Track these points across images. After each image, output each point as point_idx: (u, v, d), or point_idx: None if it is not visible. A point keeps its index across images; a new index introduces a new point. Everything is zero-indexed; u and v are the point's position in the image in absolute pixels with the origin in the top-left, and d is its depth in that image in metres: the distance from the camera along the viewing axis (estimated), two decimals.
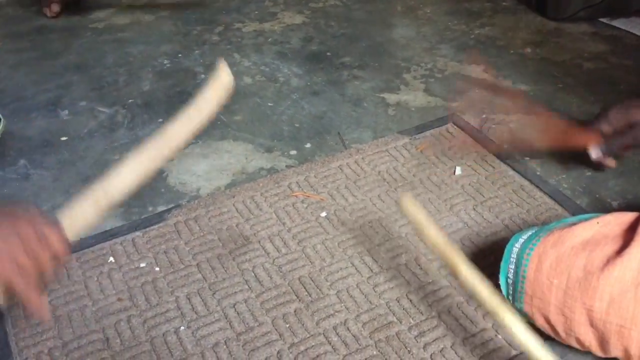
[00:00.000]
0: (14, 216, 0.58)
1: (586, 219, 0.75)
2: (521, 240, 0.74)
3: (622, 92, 1.28)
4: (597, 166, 1.00)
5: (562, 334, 0.72)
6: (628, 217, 0.73)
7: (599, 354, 0.71)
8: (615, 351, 0.69)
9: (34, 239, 0.57)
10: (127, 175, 0.66)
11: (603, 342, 0.69)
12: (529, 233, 0.75)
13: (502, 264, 0.75)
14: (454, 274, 0.70)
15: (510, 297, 0.75)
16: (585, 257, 0.69)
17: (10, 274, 0.55)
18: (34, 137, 1.14)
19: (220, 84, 0.71)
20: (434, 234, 0.72)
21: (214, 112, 0.71)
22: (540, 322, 0.73)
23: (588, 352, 0.73)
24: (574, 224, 0.74)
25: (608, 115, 0.96)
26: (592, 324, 0.68)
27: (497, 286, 0.75)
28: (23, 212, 0.59)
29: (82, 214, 0.63)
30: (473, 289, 0.69)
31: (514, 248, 0.74)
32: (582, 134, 0.98)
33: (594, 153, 0.97)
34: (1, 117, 1.08)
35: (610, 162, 0.98)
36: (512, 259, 0.74)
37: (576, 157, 1.06)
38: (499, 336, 0.78)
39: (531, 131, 1.02)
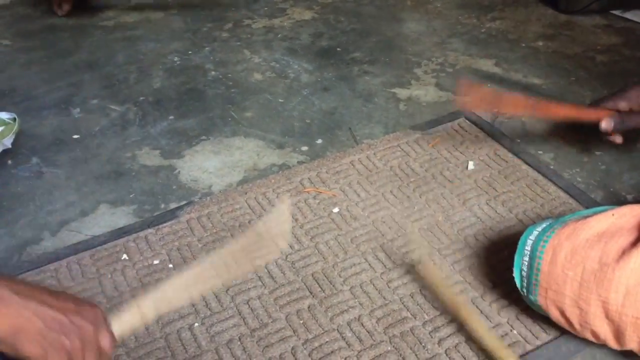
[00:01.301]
0: (79, 303, 0.58)
1: (601, 211, 0.74)
2: (535, 233, 0.74)
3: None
4: (603, 137, 0.99)
5: (577, 327, 0.71)
6: None
7: (615, 346, 0.71)
8: (631, 343, 0.68)
9: (91, 337, 0.57)
10: (176, 290, 0.67)
11: (618, 334, 0.68)
12: (543, 225, 0.75)
13: (516, 256, 0.74)
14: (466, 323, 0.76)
15: (525, 290, 0.74)
16: (600, 249, 0.68)
17: None
18: (46, 135, 1.15)
19: (280, 217, 0.71)
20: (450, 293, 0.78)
21: (270, 245, 0.70)
22: (555, 315, 0.72)
23: (603, 345, 0.72)
24: (589, 216, 0.74)
25: (627, 92, 0.95)
26: (607, 316, 0.68)
27: (511, 279, 0.75)
28: (86, 301, 0.60)
29: (129, 322, 0.64)
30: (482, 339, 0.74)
31: (529, 240, 0.74)
32: (597, 109, 0.97)
33: (605, 123, 0.95)
34: (16, 117, 1.09)
35: (618, 138, 0.97)
36: (526, 252, 0.73)
37: (589, 142, 1.05)
38: (514, 331, 0.78)
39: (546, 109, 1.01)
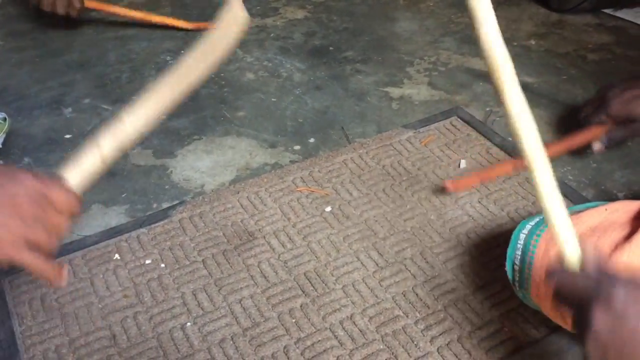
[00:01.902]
0: (9, 179, 0.52)
1: (594, 207, 0.75)
2: (528, 227, 0.74)
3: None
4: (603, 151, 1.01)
5: (569, 321, 0.71)
6: (636, 204, 0.73)
7: None
8: None
9: (32, 203, 0.51)
10: (134, 118, 0.62)
11: None
12: (537, 219, 0.75)
13: (509, 250, 0.74)
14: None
15: (517, 284, 0.74)
16: (593, 244, 0.69)
17: (15, 249, 0.50)
18: (38, 135, 1.14)
19: (233, 18, 0.66)
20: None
21: (227, 48, 0.66)
22: (548, 309, 0.72)
23: None
24: (582, 211, 0.74)
25: (609, 108, 0.96)
26: None
27: (502, 277, 0.75)
28: (17, 174, 0.53)
29: (88, 162, 0.59)
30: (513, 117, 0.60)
31: (521, 234, 0.74)
32: (586, 135, 0.98)
33: (596, 147, 0.98)
34: (6, 117, 1.08)
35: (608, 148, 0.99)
36: (519, 245, 0.73)
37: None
38: (506, 328, 0.78)
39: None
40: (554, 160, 1.02)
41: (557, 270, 0.53)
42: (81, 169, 0.59)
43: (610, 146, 0.98)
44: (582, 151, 1.03)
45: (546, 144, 1.00)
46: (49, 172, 0.57)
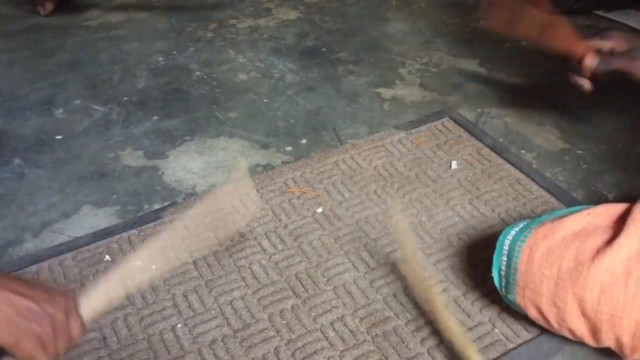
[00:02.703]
0: (50, 291, 0.59)
1: (577, 211, 0.75)
2: (513, 233, 0.74)
3: (619, 84, 1.27)
4: (579, 80, 0.98)
5: (555, 325, 0.72)
6: (618, 208, 0.74)
7: (592, 343, 0.71)
8: (608, 341, 0.69)
9: (63, 317, 0.59)
10: (145, 264, 0.67)
11: (595, 331, 0.69)
12: (521, 225, 0.75)
13: (495, 256, 0.75)
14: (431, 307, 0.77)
15: (504, 289, 0.75)
16: (576, 248, 0.69)
17: (33, 352, 0.57)
18: (29, 136, 1.14)
19: (240, 180, 0.70)
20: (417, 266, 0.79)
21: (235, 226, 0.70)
22: (533, 313, 0.73)
23: (583, 343, 0.73)
24: (565, 215, 0.74)
25: (611, 32, 0.95)
26: (583, 314, 0.68)
27: (490, 279, 0.76)
28: (57, 289, 0.61)
29: (99, 300, 0.64)
30: (445, 324, 0.75)
31: (506, 240, 0.74)
32: (581, 41, 0.97)
33: (589, 59, 0.94)
34: None
35: (587, 83, 0.97)
36: (504, 251, 0.74)
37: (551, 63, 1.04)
38: (496, 329, 0.78)
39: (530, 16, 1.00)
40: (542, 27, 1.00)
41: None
42: (92, 303, 0.64)
43: (602, 70, 0.94)
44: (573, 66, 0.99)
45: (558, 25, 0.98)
46: (74, 295, 0.62)
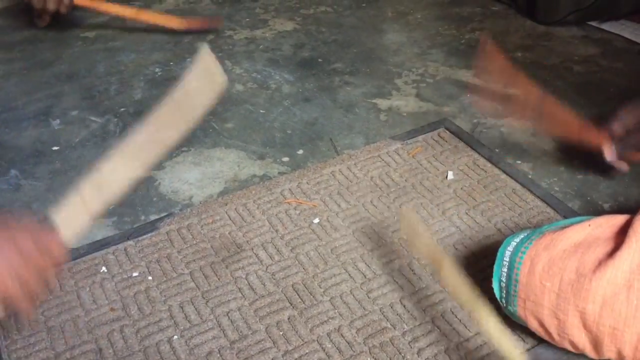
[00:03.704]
0: (9, 225, 0.58)
1: (578, 222, 0.75)
2: (513, 244, 0.75)
3: (613, 95, 1.28)
4: (609, 170, 0.99)
5: (556, 337, 0.72)
6: (619, 219, 0.74)
7: (593, 356, 0.71)
8: (609, 353, 0.69)
9: (33, 248, 0.57)
10: (117, 169, 0.63)
11: (597, 344, 0.69)
12: (521, 236, 0.76)
13: (495, 267, 0.75)
14: (438, 272, 0.73)
15: (504, 301, 0.75)
16: (577, 260, 0.69)
17: (9, 287, 0.55)
18: (25, 147, 1.14)
19: (207, 73, 0.66)
20: (427, 239, 0.74)
21: (204, 102, 0.66)
22: (534, 325, 0.73)
23: (582, 355, 0.73)
24: (566, 226, 0.74)
25: (619, 115, 0.96)
26: (585, 327, 0.68)
27: (490, 288, 0.76)
28: (19, 221, 0.59)
29: (75, 215, 0.62)
30: (454, 289, 0.72)
31: (507, 251, 0.74)
32: (595, 133, 0.97)
33: (608, 153, 0.95)
34: None
35: (623, 165, 0.97)
36: (504, 263, 0.74)
37: (576, 161, 1.06)
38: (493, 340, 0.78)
39: (544, 119, 1.00)
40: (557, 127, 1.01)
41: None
42: (69, 220, 0.61)
43: (623, 155, 0.95)
44: (583, 161, 1.00)
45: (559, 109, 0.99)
46: (45, 223, 0.60)
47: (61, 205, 0.62)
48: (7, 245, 0.56)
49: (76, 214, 0.62)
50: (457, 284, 0.72)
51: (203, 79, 0.64)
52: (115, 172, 0.63)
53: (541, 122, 1.02)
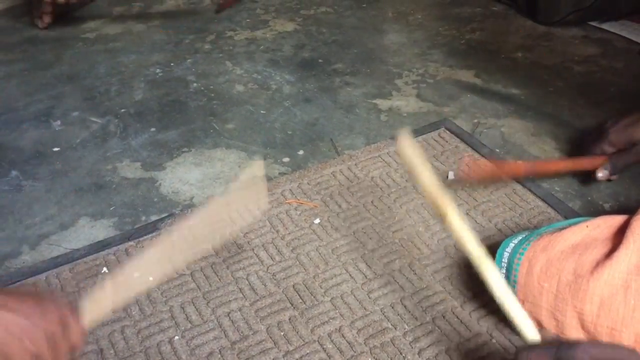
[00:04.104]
0: (40, 300, 0.59)
1: (575, 223, 0.75)
2: (512, 245, 0.75)
3: (613, 95, 1.28)
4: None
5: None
6: (617, 220, 0.74)
7: None
8: None
9: (58, 328, 0.58)
10: (147, 266, 0.66)
11: None
12: (520, 237, 0.76)
13: None
14: (441, 216, 0.68)
15: None
16: (575, 261, 0.69)
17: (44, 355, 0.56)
18: (26, 148, 1.14)
19: (251, 184, 0.69)
20: (427, 178, 0.69)
21: (241, 225, 0.69)
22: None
23: None
24: (564, 228, 0.75)
25: (608, 136, 0.97)
26: (583, 327, 0.68)
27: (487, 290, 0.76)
28: (49, 297, 0.60)
29: (100, 305, 0.64)
30: (457, 235, 0.67)
31: (505, 253, 0.74)
32: (588, 161, 0.99)
33: (601, 175, 0.97)
34: None
35: (613, 177, 1.00)
36: (503, 264, 0.74)
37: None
38: (493, 340, 0.78)
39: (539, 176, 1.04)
40: (554, 176, 1.04)
41: (522, 347, 0.57)
42: (92, 310, 0.63)
43: (616, 172, 0.97)
44: (587, 179, 1.03)
45: (549, 160, 1.02)
46: (72, 304, 0.62)
47: (88, 294, 0.64)
48: (36, 319, 0.56)
49: (100, 304, 0.64)
50: (461, 232, 0.67)
51: (246, 196, 0.66)
52: (145, 269, 0.66)
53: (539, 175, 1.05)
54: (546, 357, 0.54)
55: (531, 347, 0.58)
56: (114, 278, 0.66)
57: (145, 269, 0.66)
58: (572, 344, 0.53)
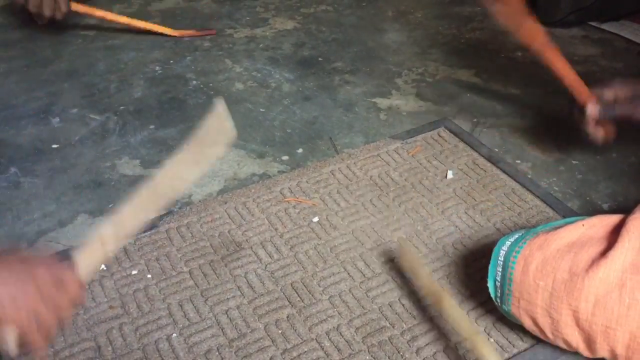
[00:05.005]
0: (29, 262, 0.59)
1: (572, 222, 0.75)
2: (508, 243, 0.75)
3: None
4: (584, 135, 0.99)
5: (550, 335, 0.72)
6: (613, 219, 0.74)
7: (587, 354, 0.72)
8: (602, 352, 0.69)
9: (51, 286, 0.58)
10: (135, 212, 0.67)
11: (590, 342, 0.69)
12: (516, 236, 0.76)
13: (490, 267, 0.75)
14: (439, 308, 0.77)
15: (499, 300, 0.75)
16: (570, 259, 0.70)
17: (27, 325, 0.56)
18: (25, 144, 1.14)
19: (218, 124, 0.71)
20: (426, 276, 0.79)
21: (216, 153, 0.71)
22: (528, 323, 0.73)
23: (577, 353, 0.73)
24: (560, 226, 0.75)
25: (612, 83, 0.96)
26: (578, 325, 0.69)
27: (487, 290, 0.76)
28: (38, 258, 0.60)
29: (94, 255, 0.65)
30: (455, 323, 0.74)
31: (501, 251, 0.74)
32: (586, 89, 0.97)
33: (591, 107, 0.95)
34: None
35: (599, 133, 0.97)
36: (499, 262, 0.74)
37: (567, 149, 1.06)
38: (491, 339, 0.78)
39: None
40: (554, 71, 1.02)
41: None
42: (88, 260, 0.65)
43: (606, 117, 0.95)
44: (577, 113, 0.99)
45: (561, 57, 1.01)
46: (64, 260, 0.63)
47: (81, 244, 0.65)
48: (27, 282, 0.57)
49: (94, 254, 0.65)
50: (457, 318, 0.74)
51: (215, 131, 0.68)
52: (132, 215, 0.67)
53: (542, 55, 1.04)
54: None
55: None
56: (103, 229, 0.66)
57: (131, 215, 0.67)
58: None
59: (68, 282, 0.60)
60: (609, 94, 0.95)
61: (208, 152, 0.70)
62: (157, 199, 0.69)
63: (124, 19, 1.47)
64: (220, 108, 0.70)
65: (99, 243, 0.65)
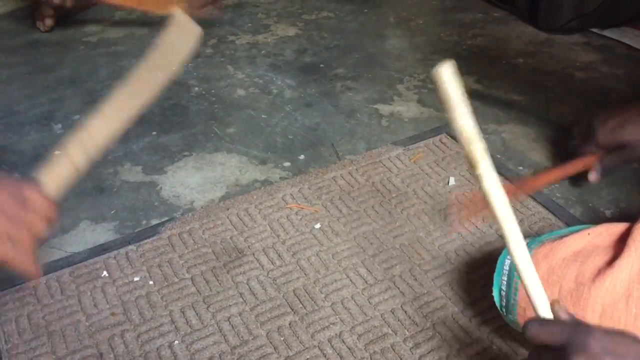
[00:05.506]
0: None
1: (577, 230, 0.75)
2: None
3: (614, 101, 1.28)
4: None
5: None
6: (619, 227, 0.74)
7: None
8: None
9: (13, 205, 0.57)
10: (102, 124, 0.67)
11: None
12: None
13: (495, 276, 0.75)
14: (472, 167, 0.61)
15: (504, 309, 0.75)
16: (576, 269, 0.69)
17: (1, 246, 0.56)
18: (27, 151, 1.14)
19: (181, 29, 0.71)
20: (465, 120, 0.60)
21: (182, 57, 0.71)
22: None
23: None
24: (565, 235, 0.75)
25: (596, 138, 0.96)
26: None
27: (490, 294, 0.76)
28: (4, 189, 0.60)
29: (60, 169, 0.64)
30: (486, 190, 0.61)
31: (506, 260, 0.74)
32: (579, 163, 0.98)
33: (592, 177, 0.97)
34: None
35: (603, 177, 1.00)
36: (504, 271, 0.74)
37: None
38: (494, 346, 0.78)
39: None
40: (547, 187, 1.04)
41: (533, 319, 0.55)
42: (55, 176, 0.64)
43: (606, 174, 0.97)
44: (578, 181, 1.03)
45: (539, 174, 1.02)
46: (27, 178, 0.62)
47: (48, 162, 0.64)
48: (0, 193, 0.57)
49: (62, 169, 0.65)
50: (490, 188, 0.61)
51: (178, 36, 0.68)
52: (99, 129, 0.67)
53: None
54: (557, 336, 0.51)
55: (542, 321, 0.54)
56: (69, 143, 0.66)
57: (103, 124, 0.67)
58: (586, 330, 0.50)
59: (33, 200, 0.59)
60: (596, 150, 0.96)
61: (173, 57, 0.69)
62: (124, 109, 0.69)
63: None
64: (179, 17, 0.69)
65: (66, 158, 0.64)
